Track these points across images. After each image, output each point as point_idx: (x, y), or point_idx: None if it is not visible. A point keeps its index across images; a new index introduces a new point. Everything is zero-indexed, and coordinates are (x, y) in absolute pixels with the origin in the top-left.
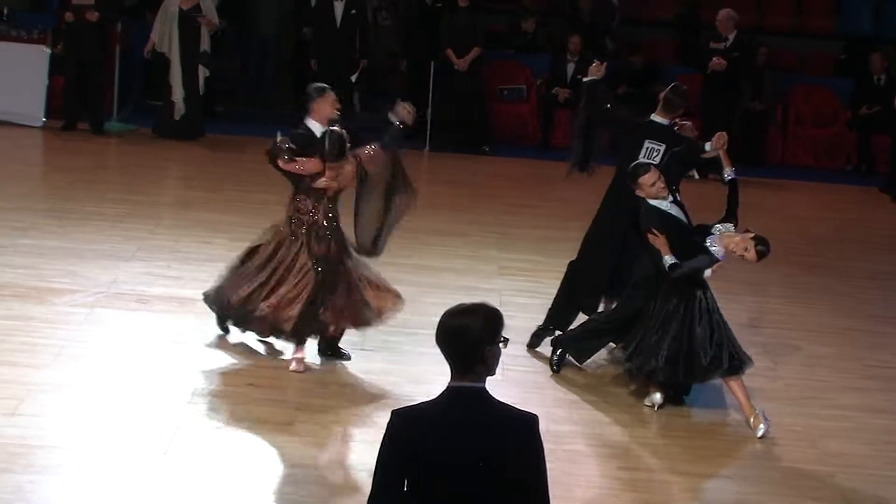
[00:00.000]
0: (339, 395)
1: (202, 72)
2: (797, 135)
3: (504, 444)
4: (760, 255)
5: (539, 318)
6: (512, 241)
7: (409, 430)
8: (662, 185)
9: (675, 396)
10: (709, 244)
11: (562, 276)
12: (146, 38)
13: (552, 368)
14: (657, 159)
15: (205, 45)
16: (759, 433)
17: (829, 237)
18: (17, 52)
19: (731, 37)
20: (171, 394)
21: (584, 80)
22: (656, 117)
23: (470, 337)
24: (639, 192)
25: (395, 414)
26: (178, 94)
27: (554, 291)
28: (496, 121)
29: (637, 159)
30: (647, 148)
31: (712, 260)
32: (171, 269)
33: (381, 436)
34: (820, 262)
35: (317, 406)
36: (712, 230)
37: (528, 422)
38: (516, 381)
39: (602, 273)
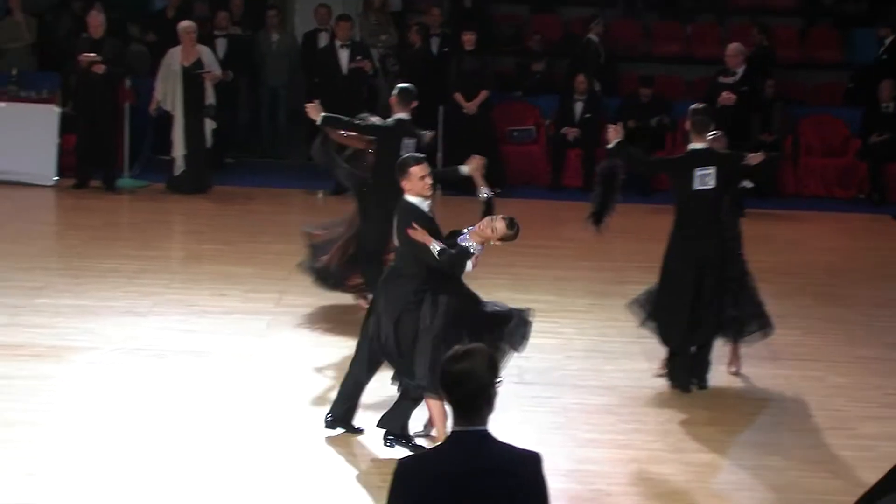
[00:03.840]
0: (361, 439)
1: (209, 125)
2: (808, 165)
3: (510, 485)
4: (510, 225)
5: (555, 358)
6: (526, 282)
7: (414, 478)
8: (430, 183)
9: None
10: (462, 242)
11: (577, 314)
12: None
13: None
14: (712, 182)
15: (210, 98)
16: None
17: (843, 266)
18: (27, 113)
19: (740, 71)
20: (192, 448)
21: (609, 147)
22: (694, 145)
23: (477, 380)
24: (405, 184)
25: (401, 463)
26: (178, 150)
27: (569, 331)
28: (506, 162)
29: (693, 192)
30: (699, 176)
31: (470, 254)
32: (188, 322)
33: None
34: (834, 292)
35: (338, 449)
36: (462, 231)
37: (533, 461)
38: (536, 422)
39: (681, 316)
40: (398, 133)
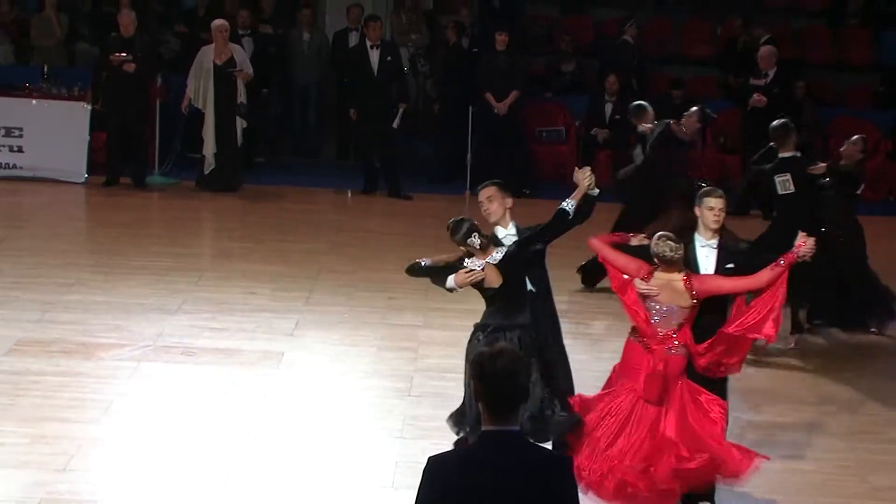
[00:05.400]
0: (388, 441)
1: (240, 123)
2: None
3: (540, 486)
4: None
5: (585, 358)
6: (557, 282)
7: (446, 475)
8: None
9: None
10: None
11: (605, 312)
12: (185, 91)
13: None
14: (791, 187)
15: (241, 96)
16: None
17: (874, 269)
18: (58, 110)
19: (772, 73)
20: (220, 445)
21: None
22: (780, 154)
23: (520, 379)
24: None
25: (432, 460)
26: (209, 148)
27: (599, 332)
28: (536, 162)
29: (779, 196)
30: (779, 182)
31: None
32: (216, 320)
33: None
34: None
35: (365, 451)
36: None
37: (563, 463)
38: None
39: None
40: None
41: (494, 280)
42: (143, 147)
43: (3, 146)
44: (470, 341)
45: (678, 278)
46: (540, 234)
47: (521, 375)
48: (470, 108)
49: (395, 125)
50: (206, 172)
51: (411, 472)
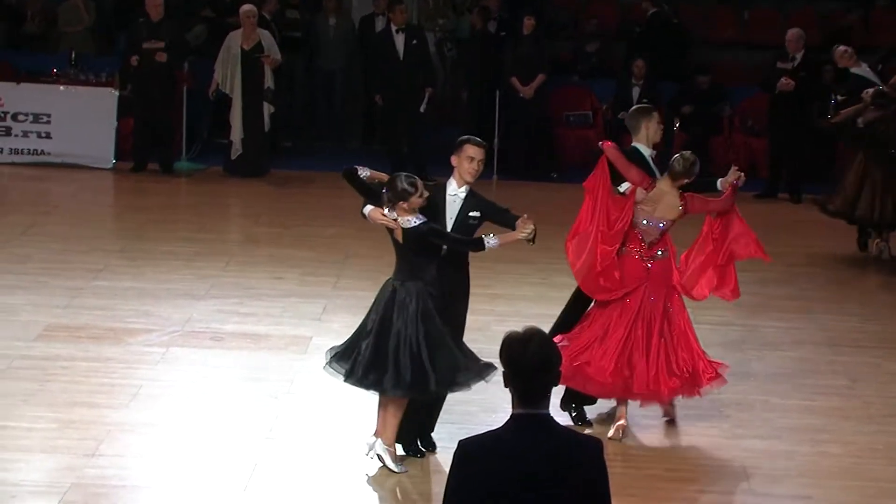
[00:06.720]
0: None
1: (267, 109)
2: None
3: (572, 470)
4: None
5: None
6: None
7: (476, 460)
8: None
9: None
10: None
11: None
12: (213, 77)
13: None
14: None
15: (268, 82)
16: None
17: None
18: (85, 96)
19: (799, 56)
20: (249, 430)
21: None
22: None
23: (554, 366)
24: None
25: (462, 445)
26: (236, 133)
27: None
28: (563, 147)
29: None
30: None
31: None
32: (244, 305)
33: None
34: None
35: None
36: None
37: (594, 446)
38: (592, 408)
39: None
40: None
41: (399, 237)
42: (170, 133)
43: (32, 132)
44: (381, 290)
45: (674, 193)
46: (451, 242)
47: (553, 362)
48: (497, 92)
49: (421, 109)
50: (234, 158)
51: (440, 456)
